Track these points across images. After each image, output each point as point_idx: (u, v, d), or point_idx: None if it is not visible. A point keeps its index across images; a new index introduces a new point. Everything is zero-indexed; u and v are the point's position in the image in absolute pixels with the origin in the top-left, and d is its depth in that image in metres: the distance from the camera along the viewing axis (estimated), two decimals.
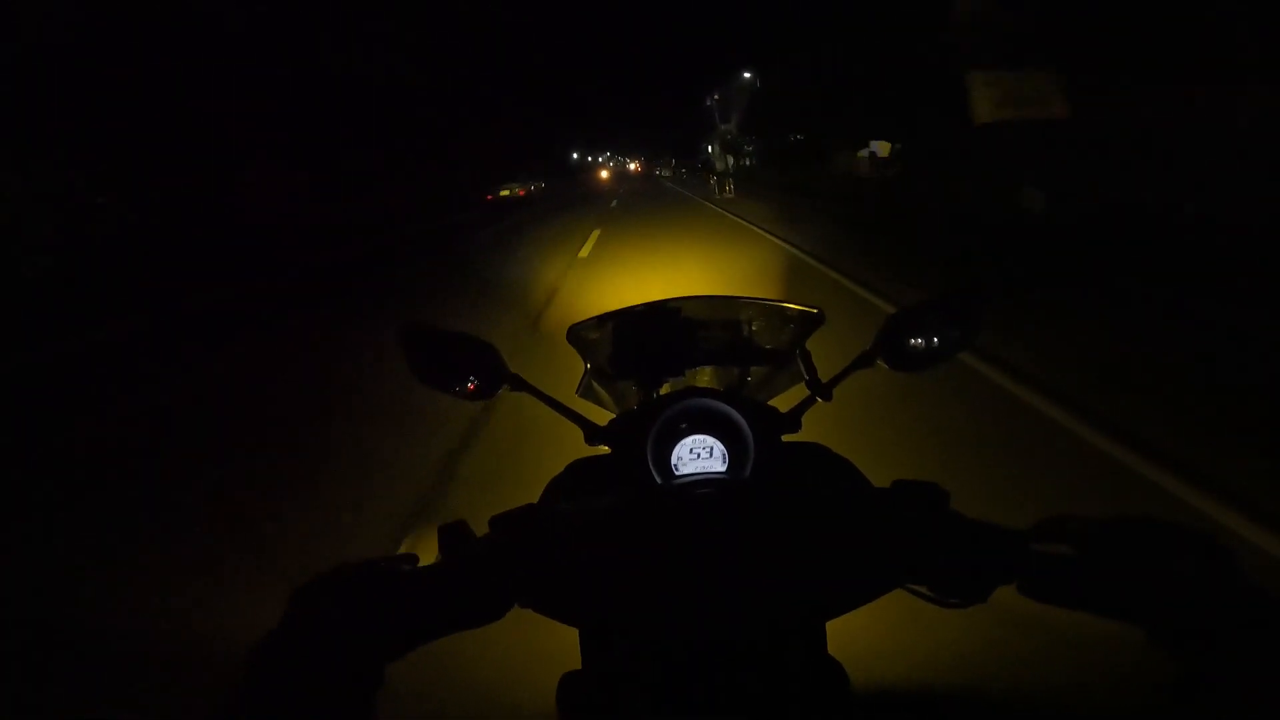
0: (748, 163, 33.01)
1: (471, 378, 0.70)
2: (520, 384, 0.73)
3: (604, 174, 53.09)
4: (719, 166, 33.79)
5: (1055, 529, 0.46)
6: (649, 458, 0.65)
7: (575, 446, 0.74)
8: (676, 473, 0.66)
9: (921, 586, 0.47)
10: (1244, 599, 0.38)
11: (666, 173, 52.77)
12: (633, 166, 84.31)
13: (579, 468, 0.72)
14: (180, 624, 1.90)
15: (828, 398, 0.73)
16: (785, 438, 0.70)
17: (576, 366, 0.88)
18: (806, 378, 0.77)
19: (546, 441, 2.30)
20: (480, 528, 0.50)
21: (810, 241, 8.16)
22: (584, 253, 9.02)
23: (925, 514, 0.48)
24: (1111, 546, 0.42)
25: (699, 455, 0.67)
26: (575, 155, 68.04)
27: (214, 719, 0.36)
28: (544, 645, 1.37)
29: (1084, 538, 0.44)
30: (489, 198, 26.12)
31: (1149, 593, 0.40)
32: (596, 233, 11.34)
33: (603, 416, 0.76)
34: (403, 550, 2.17)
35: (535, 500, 0.68)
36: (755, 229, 10.07)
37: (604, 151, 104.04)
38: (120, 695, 1.67)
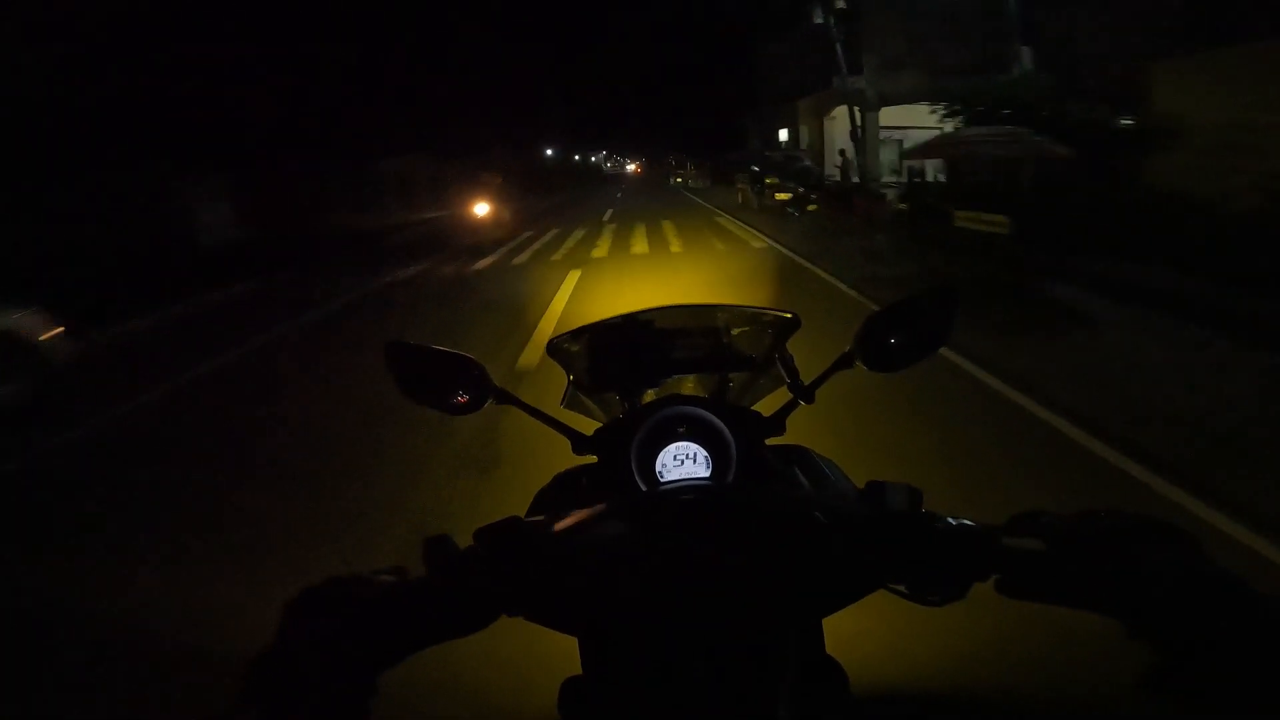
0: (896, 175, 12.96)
1: (458, 392, 0.72)
2: (506, 397, 0.74)
3: (481, 208, 14.68)
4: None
5: (1027, 525, 0.46)
6: (633, 466, 0.67)
7: (566, 457, 0.74)
8: (661, 479, 0.68)
9: (900, 585, 0.48)
10: (1214, 586, 0.39)
11: (693, 181, 28.12)
12: (632, 168, 69.80)
13: (566, 478, 0.74)
14: None
15: (810, 400, 0.74)
16: (770, 440, 0.71)
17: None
18: (788, 381, 0.78)
19: None
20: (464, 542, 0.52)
21: None
22: None
23: (901, 515, 0.49)
24: (1082, 540, 0.43)
25: (683, 461, 0.68)
26: (550, 152, 49.50)
27: None
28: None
29: (1055, 532, 0.44)
30: None
31: (1120, 584, 0.41)
32: None
33: (590, 426, 0.78)
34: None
35: (523, 511, 0.71)
36: None
37: (597, 150, 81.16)
38: None
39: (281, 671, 0.41)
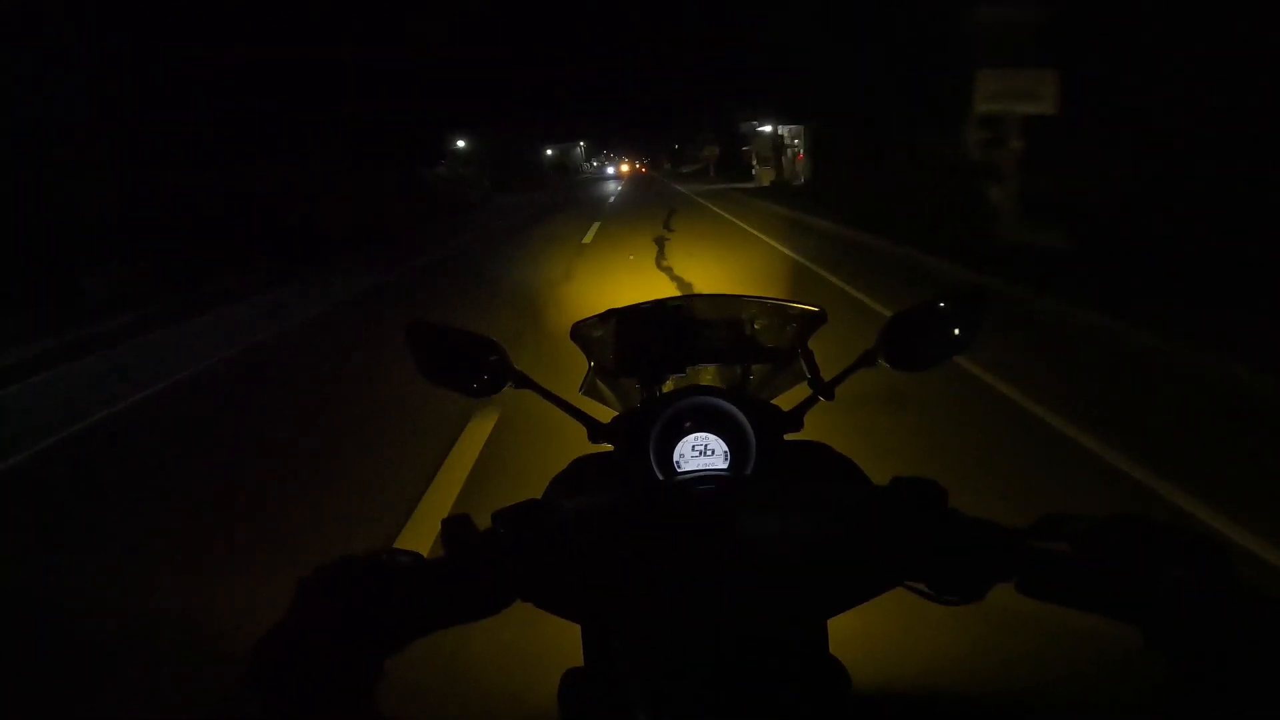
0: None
1: (477, 375, 0.71)
2: (525, 381, 0.74)
3: None
4: None
5: (1053, 527, 0.46)
6: (651, 455, 0.66)
7: (580, 444, 0.75)
8: (679, 469, 0.67)
9: (920, 584, 0.48)
10: (1238, 601, 0.38)
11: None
12: (623, 168, 55.57)
13: (582, 465, 0.73)
14: None
15: (830, 397, 0.74)
16: (787, 436, 0.71)
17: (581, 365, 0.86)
18: (809, 377, 0.78)
19: None
20: (483, 522, 0.51)
21: None
22: None
23: (925, 512, 0.48)
24: (1108, 546, 0.42)
25: (701, 453, 0.68)
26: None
27: (221, 711, 0.37)
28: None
29: (1082, 536, 0.44)
30: None
31: (1144, 593, 0.40)
32: None
33: (606, 414, 0.77)
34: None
35: (538, 496, 0.69)
36: None
37: (573, 142, 61.29)
38: None
39: (289, 651, 0.40)
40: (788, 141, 20.21)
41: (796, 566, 0.47)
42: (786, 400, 0.76)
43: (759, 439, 0.66)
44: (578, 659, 0.57)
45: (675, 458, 0.67)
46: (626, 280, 7.21)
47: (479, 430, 3.12)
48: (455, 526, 0.48)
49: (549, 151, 51.98)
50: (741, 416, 0.67)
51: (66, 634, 1.96)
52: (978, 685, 1.51)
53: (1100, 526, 0.43)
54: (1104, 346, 4.41)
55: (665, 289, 6.47)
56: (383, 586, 0.43)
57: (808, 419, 0.72)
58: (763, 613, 0.47)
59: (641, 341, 0.84)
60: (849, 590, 0.49)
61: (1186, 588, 0.39)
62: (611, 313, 0.87)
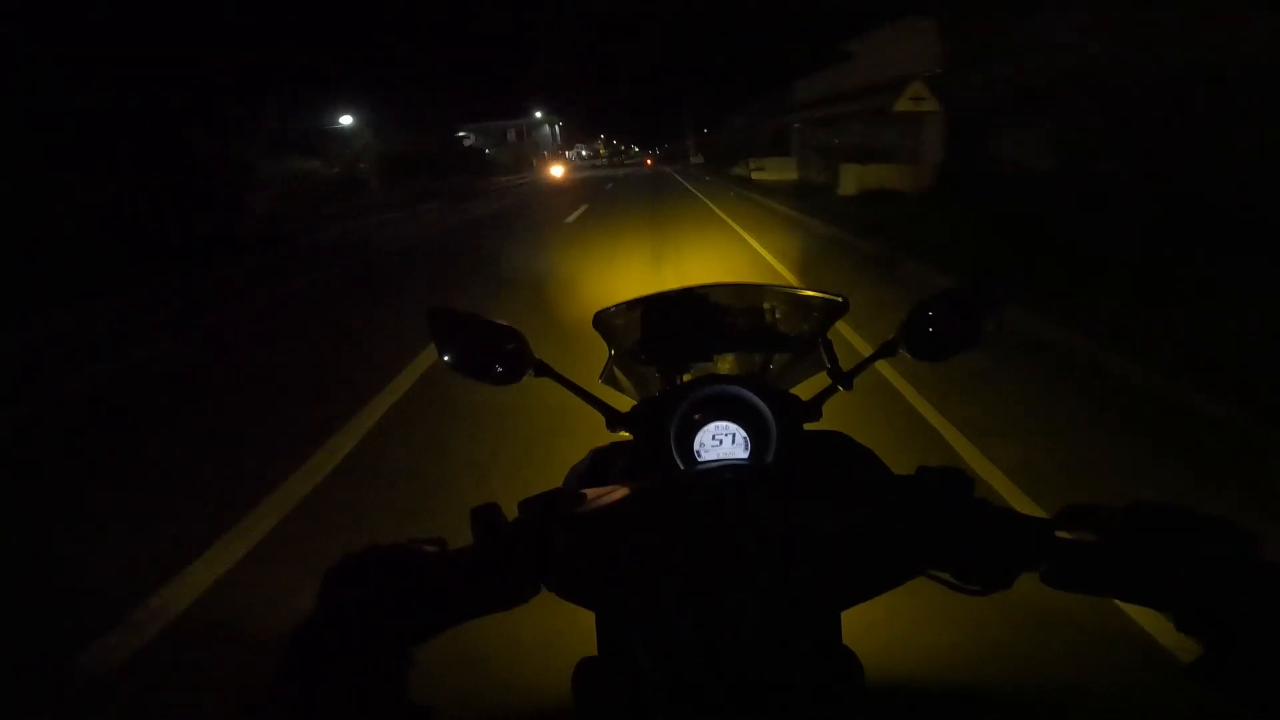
0: None
1: (498, 363, 0.71)
2: (544, 370, 0.73)
3: None
4: None
5: (1079, 516, 0.46)
6: (671, 443, 0.66)
7: (599, 434, 0.74)
8: (699, 459, 0.67)
9: (944, 573, 0.47)
10: (1268, 581, 0.38)
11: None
12: (554, 170, 38.77)
13: (601, 454, 0.73)
14: None
15: (849, 386, 0.73)
16: (807, 426, 0.70)
17: (598, 355, 0.89)
18: (828, 366, 0.77)
19: None
20: (510, 512, 0.51)
21: None
22: None
23: (950, 500, 0.48)
24: (1136, 533, 0.42)
25: (721, 442, 0.67)
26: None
27: (251, 703, 0.38)
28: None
29: (1108, 525, 0.44)
30: None
31: (1173, 579, 0.40)
32: None
33: (624, 403, 0.77)
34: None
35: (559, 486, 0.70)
36: None
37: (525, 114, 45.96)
38: None
39: (319, 642, 0.40)
40: None
41: (820, 556, 0.47)
42: (804, 390, 0.75)
43: (780, 428, 0.65)
44: (592, 649, 0.57)
45: (695, 446, 0.67)
46: None
47: None
48: (484, 515, 0.48)
49: (347, 119, 22.48)
50: (763, 405, 0.67)
51: None
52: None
53: (1126, 514, 0.43)
54: None
55: None
56: (411, 577, 0.44)
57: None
58: (784, 602, 0.47)
59: (666, 328, 0.85)
60: (872, 579, 0.48)
61: (1216, 571, 0.39)
62: (638, 301, 0.87)
